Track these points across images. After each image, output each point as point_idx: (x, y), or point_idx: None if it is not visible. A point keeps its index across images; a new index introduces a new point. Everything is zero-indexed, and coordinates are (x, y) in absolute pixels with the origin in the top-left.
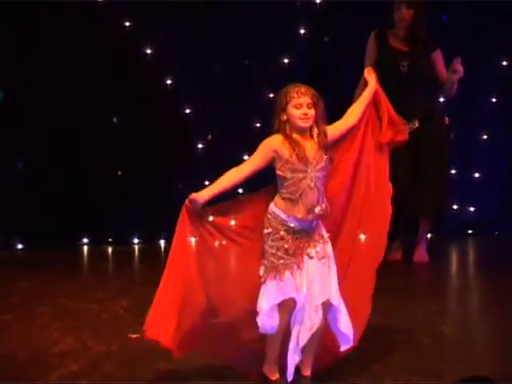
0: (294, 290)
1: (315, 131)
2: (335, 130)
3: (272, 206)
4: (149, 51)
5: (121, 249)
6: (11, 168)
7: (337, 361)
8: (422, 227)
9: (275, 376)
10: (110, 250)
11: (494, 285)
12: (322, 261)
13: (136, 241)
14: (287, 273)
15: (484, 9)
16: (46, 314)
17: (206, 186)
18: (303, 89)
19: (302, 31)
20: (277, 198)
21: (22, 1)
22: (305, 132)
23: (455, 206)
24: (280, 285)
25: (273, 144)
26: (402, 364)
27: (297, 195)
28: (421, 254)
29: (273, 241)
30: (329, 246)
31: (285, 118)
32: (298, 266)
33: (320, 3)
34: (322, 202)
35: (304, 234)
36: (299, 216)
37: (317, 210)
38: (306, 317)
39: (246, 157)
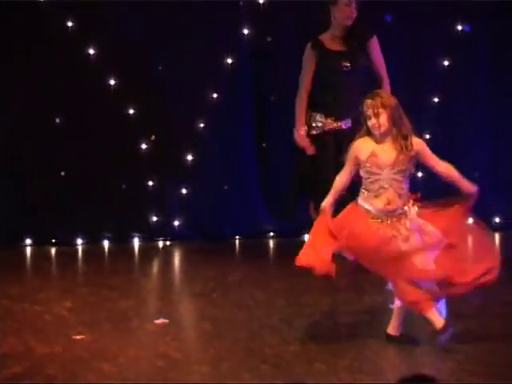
0: None
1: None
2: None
3: None
4: (92, 51)
5: (64, 249)
6: None
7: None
8: None
9: None
10: (53, 250)
11: None
12: None
13: (79, 241)
14: None
15: (426, 9)
16: None
17: (149, 187)
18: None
19: (246, 31)
20: None
21: None
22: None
23: None
24: None
25: None
26: (347, 363)
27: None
28: None
29: None
30: None
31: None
32: None
33: (263, 3)
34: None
35: None
36: None
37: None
38: None
39: (189, 157)
